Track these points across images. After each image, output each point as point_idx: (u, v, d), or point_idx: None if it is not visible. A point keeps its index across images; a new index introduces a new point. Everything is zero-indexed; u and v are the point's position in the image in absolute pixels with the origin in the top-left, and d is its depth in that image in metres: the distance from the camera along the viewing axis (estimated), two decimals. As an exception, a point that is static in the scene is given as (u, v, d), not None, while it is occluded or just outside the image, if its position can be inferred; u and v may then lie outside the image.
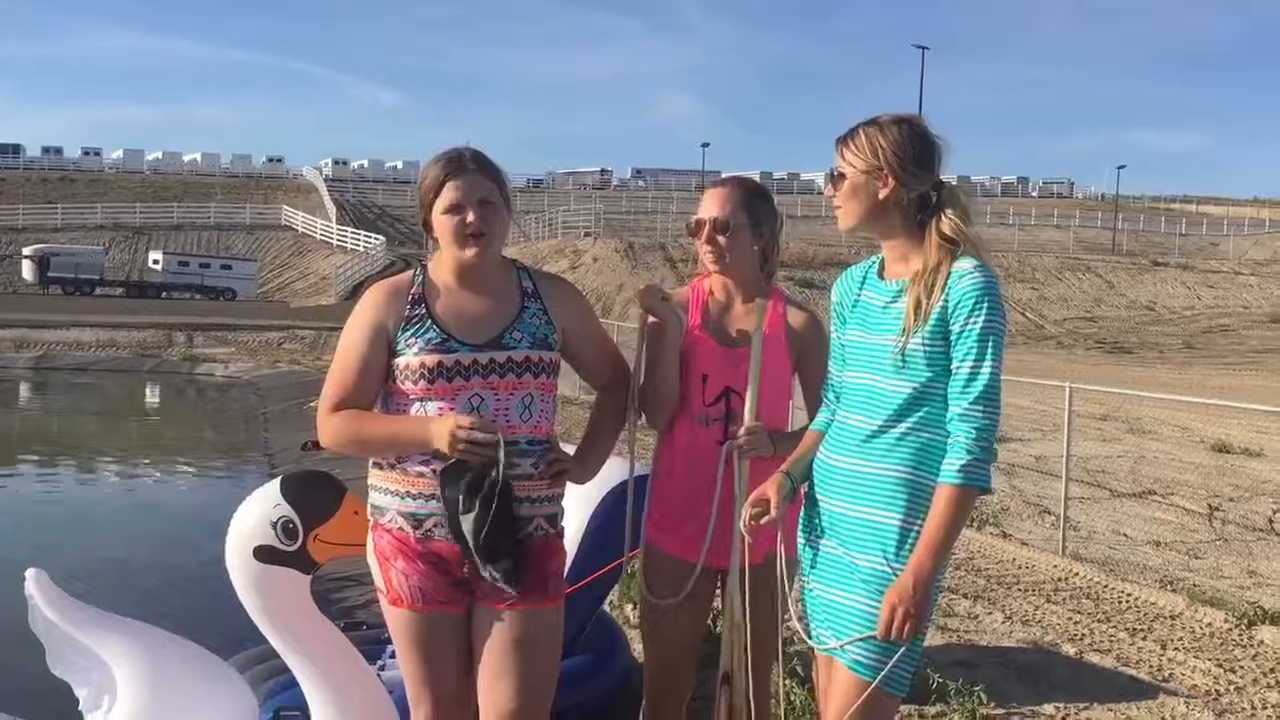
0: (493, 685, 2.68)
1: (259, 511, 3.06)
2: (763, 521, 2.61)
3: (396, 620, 2.76)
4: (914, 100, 49.81)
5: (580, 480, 2.86)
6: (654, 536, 3.08)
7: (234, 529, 3.07)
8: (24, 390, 20.78)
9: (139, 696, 3.32)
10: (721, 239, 3.01)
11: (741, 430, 2.83)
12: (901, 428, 2.44)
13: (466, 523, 2.55)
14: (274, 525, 3.01)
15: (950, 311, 2.39)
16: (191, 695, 3.41)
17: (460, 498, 2.55)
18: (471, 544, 2.56)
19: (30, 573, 3.35)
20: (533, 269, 2.86)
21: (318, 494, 3.10)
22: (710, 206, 3.04)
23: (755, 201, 3.06)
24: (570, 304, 2.84)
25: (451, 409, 2.61)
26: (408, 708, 3.10)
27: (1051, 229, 58.89)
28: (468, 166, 2.67)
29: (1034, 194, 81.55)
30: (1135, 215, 63.81)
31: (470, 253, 2.66)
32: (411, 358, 2.64)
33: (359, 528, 3.09)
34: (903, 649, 2.39)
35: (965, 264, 2.41)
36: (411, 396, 2.67)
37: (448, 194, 2.66)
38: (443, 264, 2.75)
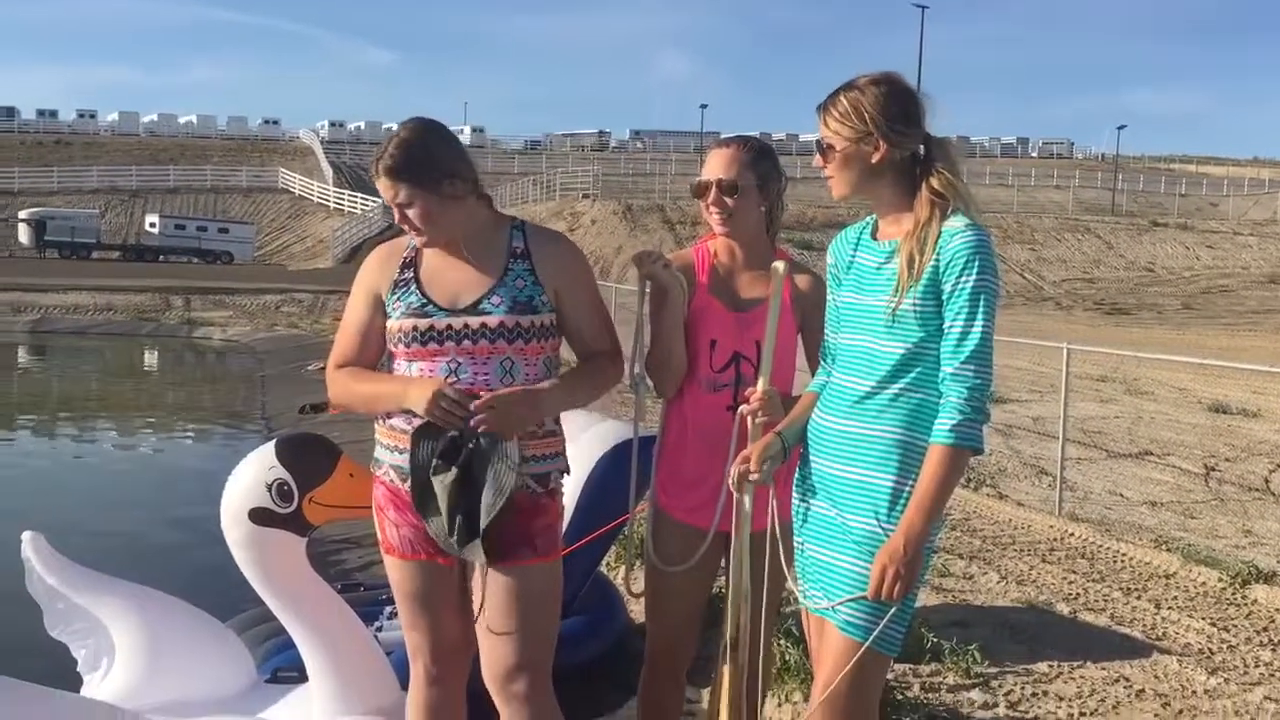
0: (488, 640, 2.73)
1: (254, 474, 3.07)
2: (750, 478, 2.61)
3: (392, 569, 2.83)
4: (912, 59, 49.49)
5: (502, 422, 2.57)
6: (664, 503, 3.06)
7: (229, 491, 3.08)
8: (22, 353, 20.77)
9: (137, 658, 3.35)
10: (729, 201, 2.96)
11: (755, 395, 2.81)
12: (894, 388, 2.43)
13: (437, 485, 2.58)
14: (269, 488, 3.03)
15: (942, 271, 2.37)
16: (189, 656, 3.44)
17: (432, 461, 2.58)
18: (443, 507, 2.58)
19: (27, 535, 3.37)
20: (531, 226, 2.81)
21: (313, 457, 3.11)
22: (715, 168, 2.99)
23: (761, 161, 3.02)
24: (564, 265, 2.78)
25: (433, 373, 2.66)
26: (405, 668, 3.13)
27: (1051, 190, 58.66)
28: (379, 172, 2.65)
29: (1034, 155, 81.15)
30: (1135, 175, 63.57)
31: (420, 241, 2.72)
32: (395, 321, 2.71)
33: (354, 491, 3.10)
34: (894, 609, 2.39)
35: (957, 222, 2.40)
36: (400, 358, 2.73)
37: (381, 191, 2.70)
38: None
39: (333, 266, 42.45)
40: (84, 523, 7.37)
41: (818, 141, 2.52)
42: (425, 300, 2.69)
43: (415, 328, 2.68)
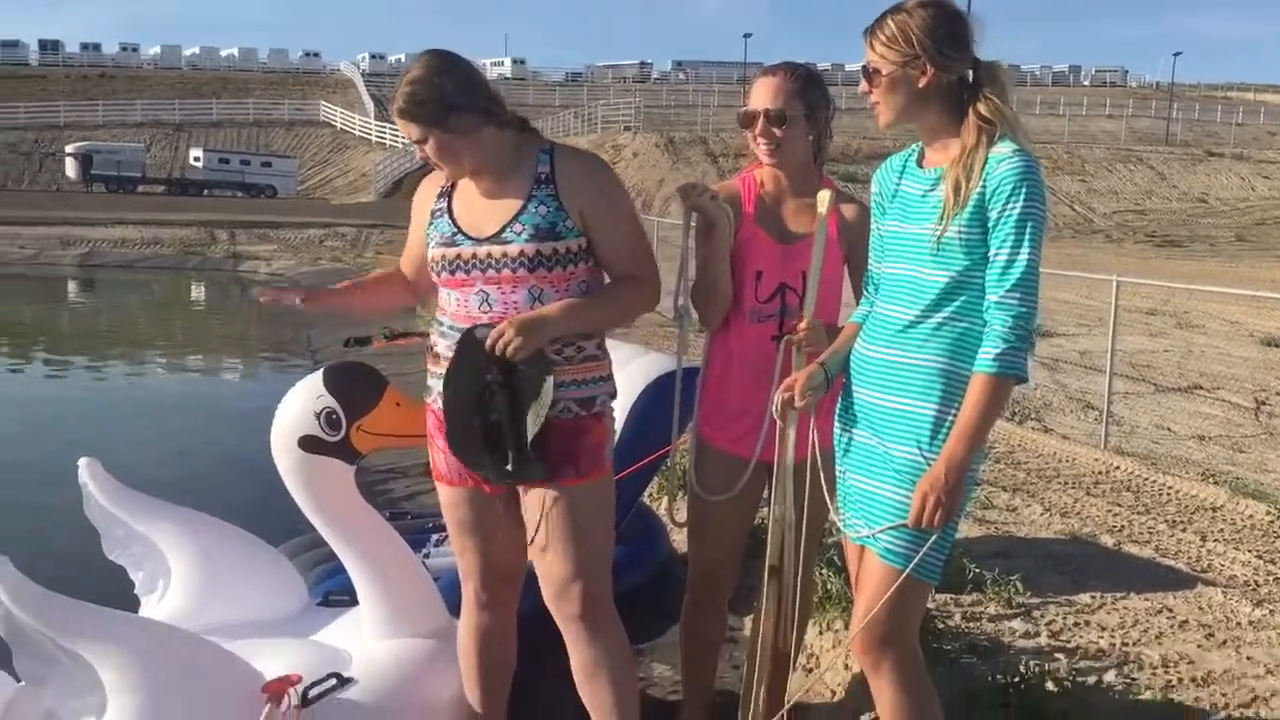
0: (542, 561, 2.78)
1: (303, 402, 3.11)
2: (792, 407, 2.61)
3: (442, 495, 2.90)
4: (963, -14, 48.28)
5: (520, 338, 2.57)
6: (707, 433, 3.07)
7: (279, 419, 3.13)
8: (71, 287, 21.09)
9: (192, 580, 3.44)
10: (777, 131, 2.92)
11: (800, 325, 2.80)
12: (939, 317, 2.42)
13: (462, 429, 2.67)
14: (318, 416, 3.07)
15: (988, 197, 2.34)
16: (242, 579, 3.52)
17: (460, 401, 2.67)
18: (479, 445, 2.67)
19: (83, 461, 3.44)
20: (561, 149, 2.76)
21: (360, 385, 3.15)
22: (763, 97, 2.94)
23: (809, 89, 2.97)
24: (588, 186, 2.70)
25: (465, 302, 2.71)
26: (453, 593, 3.19)
27: (1103, 119, 57.33)
28: (395, 112, 2.69)
29: (1086, 83, 79.23)
30: (1190, 104, 61.90)
31: (444, 173, 2.75)
32: (430, 250, 2.77)
33: (400, 420, 3.14)
34: (934, 537, 2.40)
35: (1004, 148, 2.36)
36: (440, 285, 2.79)
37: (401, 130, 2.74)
38: None
39: (374, 201, 42.55)
40: (135, 452, 7.53)
41: (864, 67, 2.48)
42: (455, 229, 2.72)
43: (444, 257, 2.72)
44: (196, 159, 49.16)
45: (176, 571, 3.45)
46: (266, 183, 47.89)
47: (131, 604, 3.46)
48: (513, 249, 2.64)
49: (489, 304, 2.68)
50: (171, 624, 3.18)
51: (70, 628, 2.67)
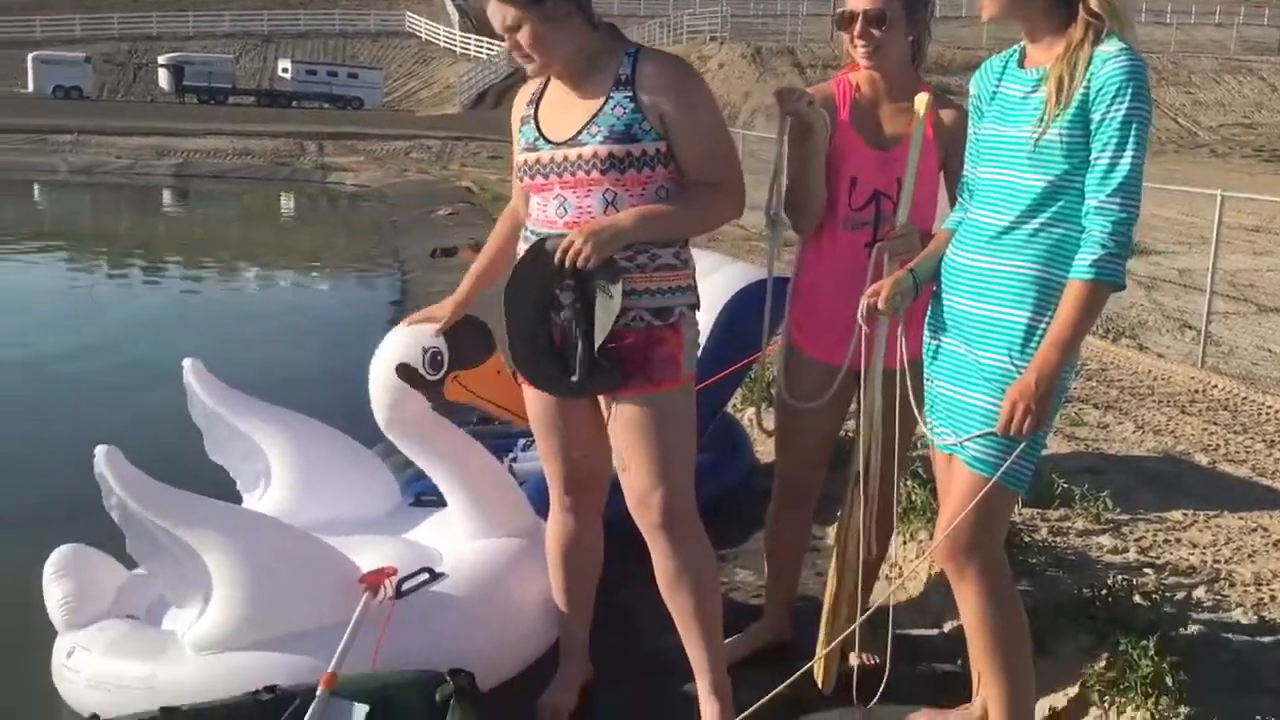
0: (624, 470, 2.81)
1: (416, 335, 3.17)
2: (878, 312, 2.59)
3: (528, 400, 2.93)
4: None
5: (590, 246, 2.56)
6: (798, 341, 3.06)
7: (388, 340, 3.20)
8: (166, 196, 21.57)
9: (291, 479, 3.56)
10: (876, 32, 2.85)
11: (894, 232, 2.76)
12: (1034, 223, 2.36)
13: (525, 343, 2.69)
14: (424, 351, 3.14)
15: (1092, 98, 2.26)
16: (339, 479, 3.64)
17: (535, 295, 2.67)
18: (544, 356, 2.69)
19: (188, 362, 3.56)
20: (645, 51, 2.70)
21: (473, 340, 3.22)
22: None
23: None
24: (671, 90, 2.62)
25: (544, 205, 2.73)
26: (539, 497, 3.26)
27: (1211, 27, 54.67)
28: None
29: (1195, -11, 75.57)
30: (1308, 11, 58.76)
31: (530, 70, 2.71)
32: (517, 156, 2.79)
33: (495, 386, 3.24)
34: (1023, 445, 2.38)
35: (1111, 46, 2.27)
36: (528, 193, 2.81)
37: (490, 19, 2.67)
38: None
39: (459, 113, 42.56)
40: (231, 356, 7.73)
41: None
42: (538, 134, 2.72)
43: (526, 162, 2.74)
44: (284, 70, 49.48)
45: (277, 470, 3.57)
46: (353, 94, 48.06)
47: (234, 500, 3.60)
48: (587, 151, 2.63)
49: (565, 209, 2.68)
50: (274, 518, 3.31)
51: (179, 516, 2.80)
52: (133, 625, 3.08)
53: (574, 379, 2.67)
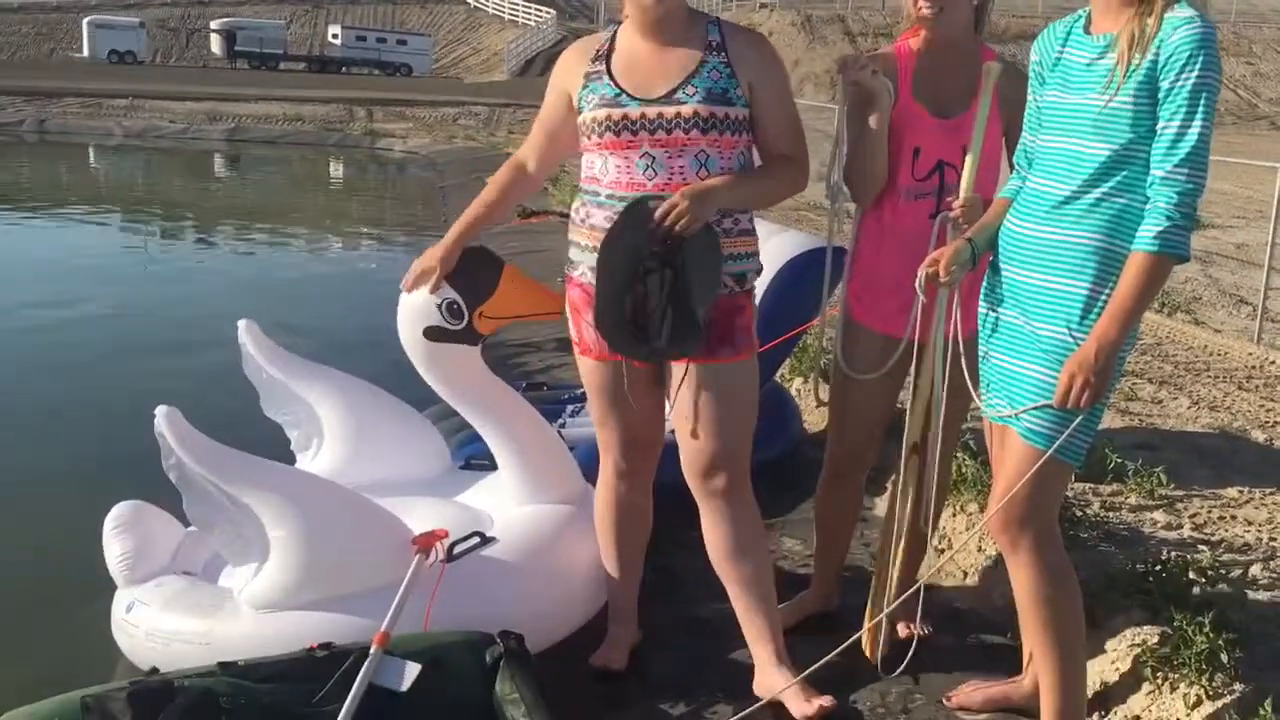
0: (687, 438, 2.81)
1: (424, 294, 3.15)
2: (938, 283, 2.56)
3: (586, 369, 2.92)
4: None
5: (694, 210, 2.59)
6: (856, 311, 3.03)
7: (402, 315, 3.18)
8: (219, 161, 21.77)
9: (344, 439, 3.60)
10: None
11: (957, 202, 2.72)
12: (1097, 193, 2.32)
13: (616, 300, 2.64)
14: (440, 307, 3.12)
15: (1161, 66, 2.21)
16: (391, 441, 3.67)
17: (631, 260, 2.62)
18: (647, 303, 2.62)
19: (242, 323, 3.61)
20: (727, 23, 2.77)
21: (478, 273, 3.17)
22: None
23: None
24: (760, 60, 2.74)
25: (627, 168, 2.67)
26: (589, 463, 3.27)
27: (1276, -5, 53.37)
28: None
29: (1259, -44, 73.64)
30: (1377, -21, 57.04)
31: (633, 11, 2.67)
32: (588, 113, 2.72)
33: (520, 299, 3.20)
34: (1080, 418, 2.35)
35: (1183, 12, 2.22)
36: (592, 153, 2.74)
37: None
38: (630, 19, 2.74)
39: (507, 80, 42.51)
40: (282, 321, 7.81)
41: None
42: (619, 90, 2.68)
43: (610, 117, 2.67)
44: (335, 36, 49.67)
45: (330, 431, 3.61)
46: (402, 61, 48.16)
47: (287, 460, 3.65)
48: (686, 109, 2.63)
49: (654, 168, 2.66)
50: (327, 479, 3.35)
51: (237, 477, 2.84)
52: (190, 582, 3.15)
53: (660, 344, 2.64)
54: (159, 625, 2.99)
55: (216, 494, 2.84)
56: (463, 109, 29.11)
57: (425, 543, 2.98)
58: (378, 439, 3.62)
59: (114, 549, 3.16)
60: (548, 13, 50.15)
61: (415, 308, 3.14)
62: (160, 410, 2.81)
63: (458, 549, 3.00)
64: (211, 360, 5.88)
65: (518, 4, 53.19)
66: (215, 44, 47.87)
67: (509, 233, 9.57)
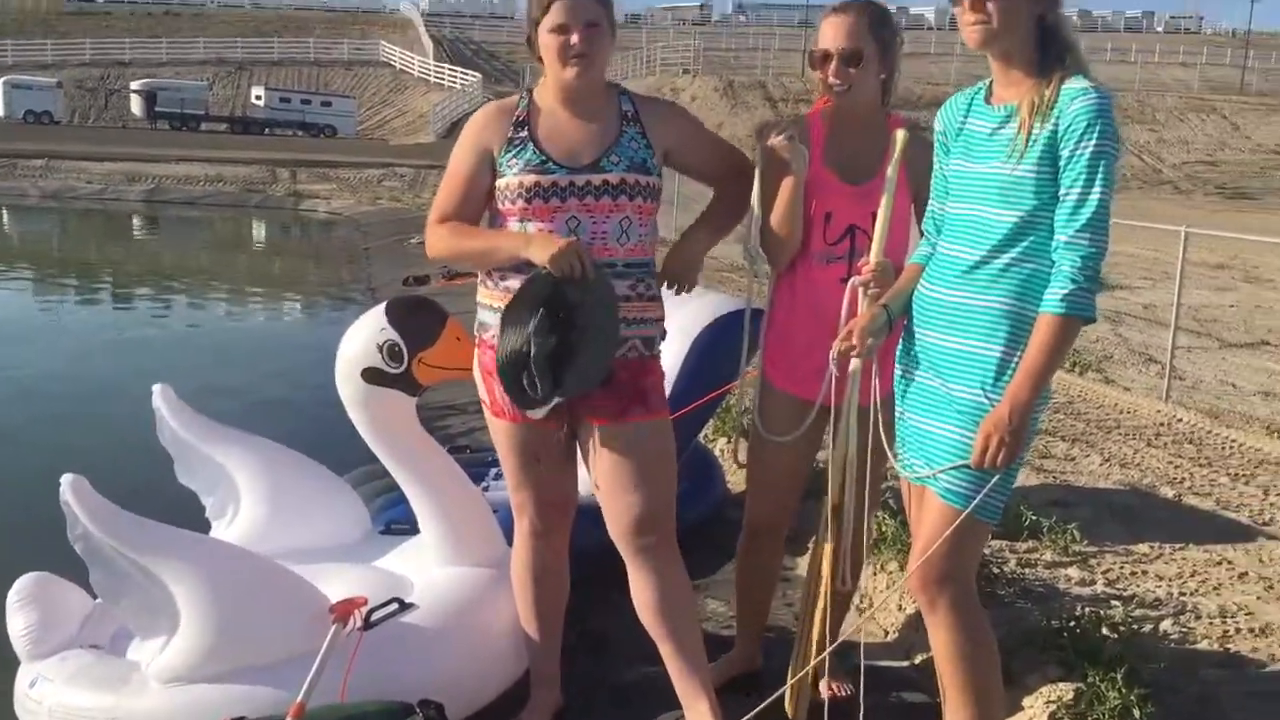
0: (612, 499, 2.81)
1: (366, 335, 3.16)
2: (853, 355, 2.61)
3: (499, 431, 2.91)
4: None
5: (681, 273, 2.93)
6: (771, 374, 3.07)
7: (342, 352, 3.18)
8: (137, 222, 21.43)
9: (260, 506, 3.52)
10: (852, 70, 2.88)
11: (867, 267, 2.78)
12: (1005, 258, 2.39)
13: (534, 340, 2.62)
14: (380, 348, 3.11)
15: (1061, 135, 2.30)
16: (309, 506, 3.60)
17: (539, 316, 2.62)
18: (532, 358, 2.62)
19: (157, 387, 3.53)
20: (635, 94, 2.86)
21: (421, 319, 3.18)
22: (836, 36, 2.88)
23: (882, 27, 2.91)
24: (671, 123, 2.87)
25: (551, 229, 2.69)
26: (511, 526, 3.25)
27: (1176, 67, 55.69)
28: None
29: (1159, 29, 76.92)
30: (1268, 52, 59.81)
31: (571, 73, 2.70)
32: (512, 178, 2.73)
33: (461, 353, 3.19)
34: (995, 478, 2.39)
35: (1079, 83, 2.31)
36: (511, 217, 2.76)
37: (555, 14, 2.68)
38: (547, 87, 2.81)
39: (433, 142, 42.60)
40: (202, 384, 7.68)
41: None
42: (544, 157, 2.72)
43: (537, 184, 2.70)
44: (258, 97, 49.45)
45: (246, 497, 3.54)
46: (326, 122, 48.07)
47: (202, 528, 3.56)
48: (613, 177, 2.71)
49: (578, 232, 2.70)
50: (242, 546, 3.27)
51: (145, 546, 2.77)
52: (96, 655, 3.04)
53: (550, 391, 2.64)
54: (64, 701, 2.88)
55: (124, 564, 2.76)
56: (388, 170, 29.10)
57: (343, 610, 2.92)
58: (295, 504, 3.55)
59: (17, 622, 3.04)
60: (474, 76, 50.53)
61: (356, 347, 3.13)
62: (66, 479, 2.74)
63: (375, 616, 2.94)
64: (125, 426, 5.74)
65: (444, 67, 53.52)
66: (135, 104, 47.37)
67: (432, 294, 9.54)
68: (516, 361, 2.67)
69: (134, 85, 48.29)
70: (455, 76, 51.61)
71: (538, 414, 2.72)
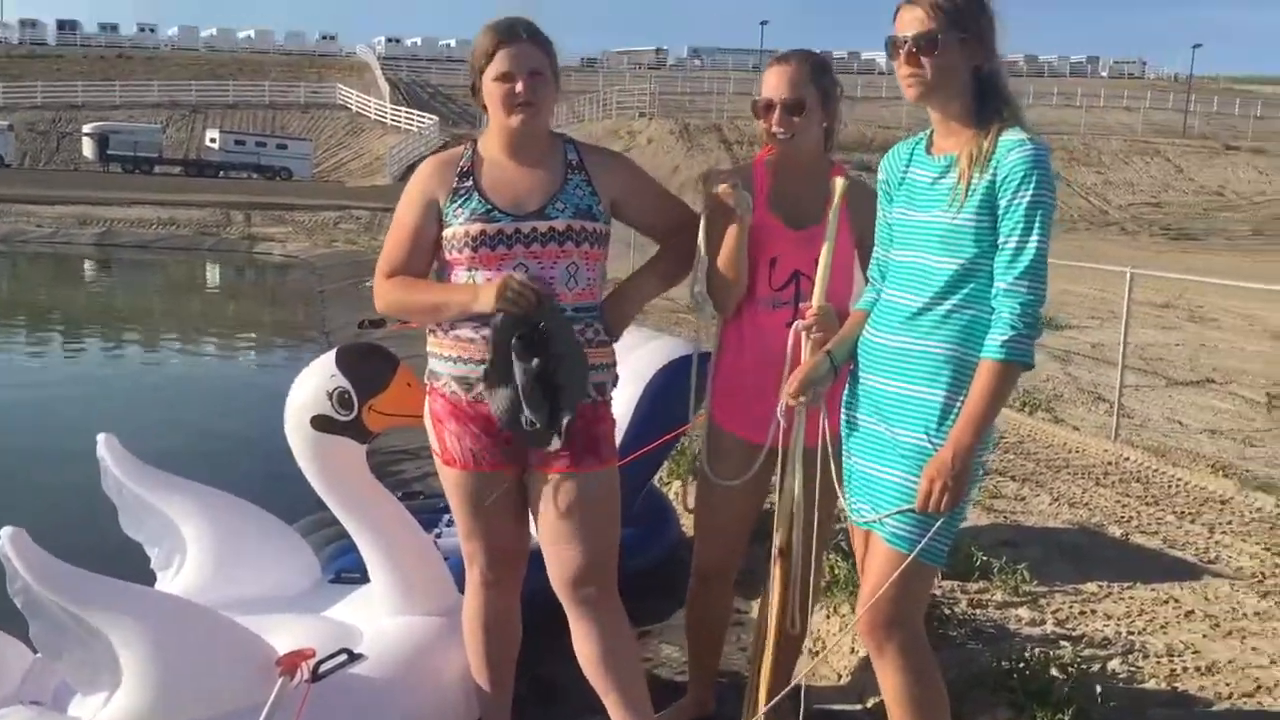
0: (556, 549, 2.79)
1: (315, 382, 3.14)
2: (799, 401, 2.64)
3: (450, 480, 2.89)
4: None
5: (613, 321, 2.84)
6: (719, 418, 3.09)
7: (292, 399, 3.16)
8: (88, 266, 21.19)
9: (207, 556, 3.47)
10: (795, 119, 2.93)
11: (810, 311, 2.81)
12: (947, 305, 2.43)
13: (518, 370, 2.63)
14: (330, 395, 3.10)
15: (999, 185, 2.35)
16: (257, 556, 3.55)
17: (514, 345, 2.64)
18: (521, 390, 2.64)
19: (102, 437, 3.48)
20: (580, 143, 2.88)
21: (372, 366, 3.17)
22: (779, 86, 2.95)
23: (823, 77, 2.98)
24: (617, 173, 2.88)
25: (498, 277, 2.70)
26: (463, 574, 3.22)
27: (1120, 111, 56.99)
28: (520, 36, 2.71)
29: (1104, 74, 78.75)
30: (1209, 97, 61.41)
31: (516, 120, 2.72)
32: (458, 227, 2.75)
33: (412, 399, 3.17)
34: (940, 522, 2.42)
35: (1016, 135, 2.37)
36: (459, 266, 2.77)
37: (499, 62, 2.70)
38: (491, 136, 2.82)
39: (389, 184, 42.59)
40: (151, 430, 7.59)
41: (918, 35, 2.39)
42: (490, 205, 2.74)
43: (484, 232, 2.72)
44: (213, 140, 49.26)
45: (192, 547, 3.48)
46: (282, 165, 47.96)
47: (147, 579, 3.50)
48: (559, 224, 2.72)
49: (525, 267, 2.71)
50: (187, 598, 3.22)
51: (86, 600, 2.71)
52: (38, 712, 2.96)
53: (550, 416, 2.68)
54: (2, 759, 2.81)
55: (64, 618, 2.71)
56: (344, 213, 29.05)
57: (290, 663, 2.87)
58: (243, 555, 3.51)
59: (-46, 679, 2.97)
60: (430, 119, 50.67)
61: (306, 394, 3.11)
62: (4, 531, 2.68)
63: (324, 668, 2.90)
64: (68, 476, 5.64)
65: (400, 110, 53.64)
66: (87, 147, 47.02)
67: (388, 337, 9.50)
68: (515, 408, 2.68)
69: (86, 128, 47.97)
70: (412, 119, 51.73)
71: (556, 445, 2.72)
